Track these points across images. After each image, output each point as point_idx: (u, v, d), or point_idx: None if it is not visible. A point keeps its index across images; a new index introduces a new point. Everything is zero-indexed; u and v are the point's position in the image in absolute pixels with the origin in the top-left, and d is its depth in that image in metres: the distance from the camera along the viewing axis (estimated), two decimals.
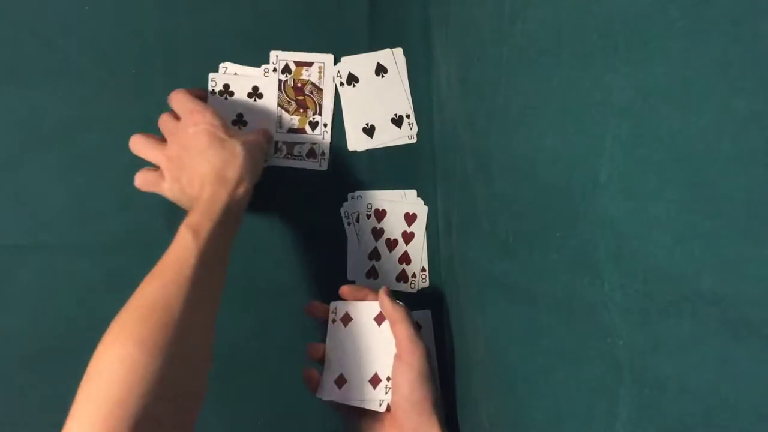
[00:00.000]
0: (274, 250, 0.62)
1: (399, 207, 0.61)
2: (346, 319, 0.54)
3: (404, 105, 0.63)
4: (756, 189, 0.19)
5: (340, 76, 0.62)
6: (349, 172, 0.63)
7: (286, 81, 0.63)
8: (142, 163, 0.62)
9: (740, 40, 0.19)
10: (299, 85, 0.63)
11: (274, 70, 0.63)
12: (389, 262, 0.61)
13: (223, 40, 0.63)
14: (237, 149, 0.53)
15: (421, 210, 0.61)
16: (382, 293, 0.52)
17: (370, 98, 0.63)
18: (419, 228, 0.61)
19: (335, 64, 0.63)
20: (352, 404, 0.51)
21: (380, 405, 0.50)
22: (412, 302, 0.62)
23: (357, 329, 0.53)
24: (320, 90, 0.63)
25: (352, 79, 0.62)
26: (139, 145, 0.55)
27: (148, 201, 0.61)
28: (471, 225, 0.49)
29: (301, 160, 0.62)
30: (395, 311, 0.50)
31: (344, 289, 0.55)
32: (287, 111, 0.63)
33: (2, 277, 0.59)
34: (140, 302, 0.43)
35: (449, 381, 0.60)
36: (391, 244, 0.61)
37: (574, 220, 0.30)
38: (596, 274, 0.28)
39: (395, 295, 0.55)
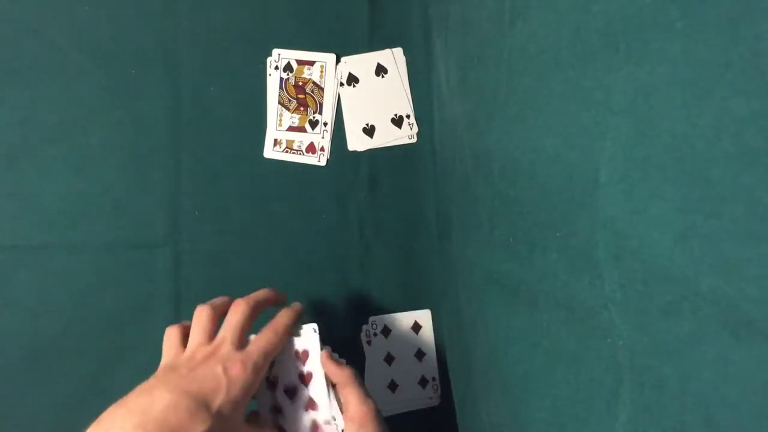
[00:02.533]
0: (274, 249, 0.62)
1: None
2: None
3: (404, 105, 0.63)
4: (756, 189, 0.19)
5: (341, 76, 0.62)
6: (349, 172, 0.63)
7: (288, 79, 0.63)
8: (142, 164, 0.62)
9: (740, 40, 0.19)
10: (300, 83, 0.63)
11: (276, 68, 0.63)
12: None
13: (223, 39, 0.63)
14: None
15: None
16: (324, 358, 0.48)
17: (370, 98, 0.63)
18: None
19: (337, 63, 0.63)
20: None
21: None
22: (412, 301, 0.63)
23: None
24: (321, 89, 0.63)
25: (352, 80, 0.62)
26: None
27: (148, 201, 0.61)
28: (471, 225, 0.49)
29: (300, 154, 0.62)
30: (341, 373, 0.48)
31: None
32: (288, 109, 0.63)
33: (2, 277, 0.59)
34: None
35: (449, 381, 0.60)
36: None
37: (574, 220, 0.30)
38: (596, 274, 0.28)
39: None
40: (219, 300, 0.48)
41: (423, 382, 0.61)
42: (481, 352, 0.47)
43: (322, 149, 0.63)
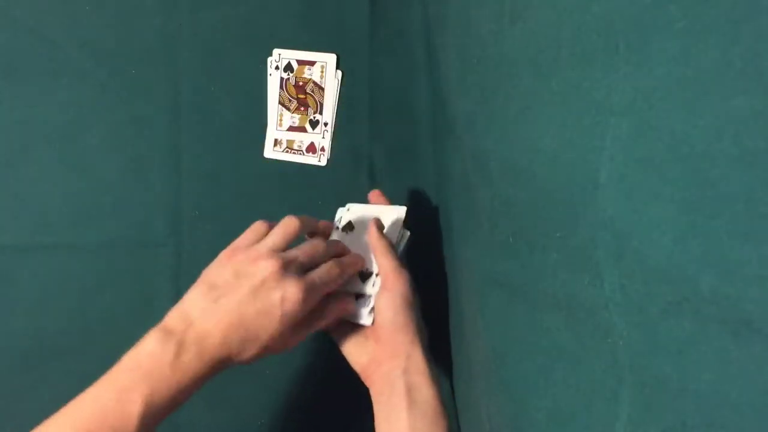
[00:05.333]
0: None
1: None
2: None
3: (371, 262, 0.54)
4: (756, 189, 0.19)
5: (340, 221, 0.57)
6: (349, 172, 0.63)
7: (288, 79, 0.63)
8: (142, 164, 0.62)
9: (740, 40, 0.19)
10: (301, 83, 0.63)
11: (276, 68, 0.63)
12: None
13: (224, 39, 0.63)
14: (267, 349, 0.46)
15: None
16: (371, 224, 0.52)
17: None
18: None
19: (337, 65, 0.63)
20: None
21: (368, 318, 0.50)
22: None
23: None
24: (321, 89, 0.63)
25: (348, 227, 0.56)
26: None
27: (148, 201, 0.61)
28: (471, 225, 0.49)
29: (300, 154, 0.62)
30: (379, 242, 0.51)
31: (373, 194, 0.56)
32: (288, 109, 0.63)
33: (2, 277, 0.59)
34: None
35: (449, 381, 0.60)
36: None
37: (574, 220, 0.30)
38: (596, 274, 0.28)
39: None
40: (309, 221, 0.52)
41: None
42: (481, 352, 0.47)
43: (323, 149, 0.63)
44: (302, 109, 0.63)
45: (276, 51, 0.63)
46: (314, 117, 0.63)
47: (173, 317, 0.46)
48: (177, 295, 0.61)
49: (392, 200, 0.64)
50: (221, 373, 0.63)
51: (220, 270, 0.47)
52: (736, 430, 0.21)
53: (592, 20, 0.28)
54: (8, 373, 0.59)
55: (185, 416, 0.60)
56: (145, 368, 0.42)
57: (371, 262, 0.52)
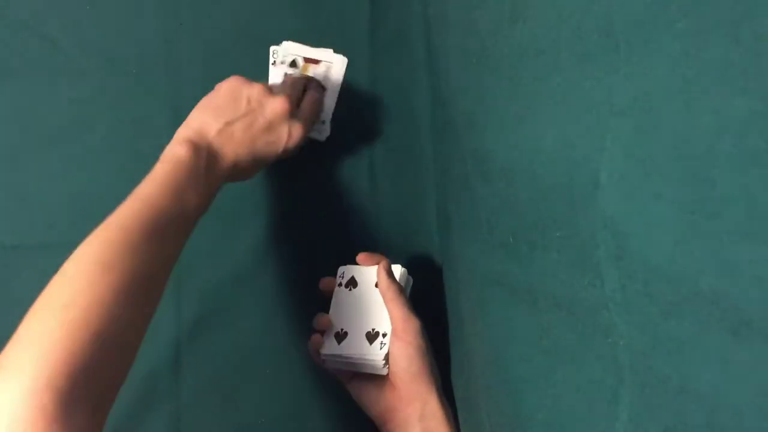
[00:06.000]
0: (274, 247, 0.62)
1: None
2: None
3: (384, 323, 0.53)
4: (756, 189, 0.19)
5: (342, 276, 0.57)
6: (349, 171, 0.63)
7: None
8: (142, 164, 0.62)
9: (740, 40, 0.19)
10: None
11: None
12: None
13: (224, 39, 0.63)
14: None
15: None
16: (380, 268, 0.52)
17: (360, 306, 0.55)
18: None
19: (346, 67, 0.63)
20: (355, 369, 0.53)
21: (383, 367, 0.51)
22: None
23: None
24: (324, 89, 0.63)
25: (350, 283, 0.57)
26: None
27: None
28: (471, 225, 0.49)
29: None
30: (389, 289, 0.51)
31: (360, 256, 0.56)
32: None
33: (2, 277, 0.59)
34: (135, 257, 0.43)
35: (450, 380, 0.60)
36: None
37: (574, 220, 0.30)
38: (596, 274, 0.28)
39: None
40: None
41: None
42: (481, 352, 0.47)
43: (323, 122, 0.62)
44: None
45: (285, 43, 0.62)
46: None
47: (191, 132, 0.50)
48: (177, 296, 0.61)
49: (392, 202, 0.64)
50: (222, 373, 0.63)
51: (233, 92, 0.52)
52: (736, 430, 0.21)
53: (592, 20, 0.28)
54: None
55: (186, 415, 0.60)
56: (187, 174, 0.47)
57: (379, 320, 0.53)
